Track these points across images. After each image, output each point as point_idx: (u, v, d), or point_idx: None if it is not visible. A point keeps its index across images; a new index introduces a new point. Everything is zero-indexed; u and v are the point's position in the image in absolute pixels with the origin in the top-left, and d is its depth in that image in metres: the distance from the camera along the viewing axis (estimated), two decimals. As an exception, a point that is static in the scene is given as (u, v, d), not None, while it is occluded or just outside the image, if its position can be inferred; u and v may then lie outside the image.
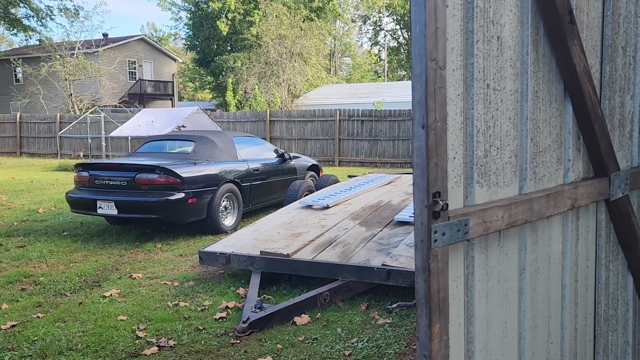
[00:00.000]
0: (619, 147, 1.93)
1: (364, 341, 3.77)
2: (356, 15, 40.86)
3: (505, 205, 1.41)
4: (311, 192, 8.22)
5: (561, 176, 1.68)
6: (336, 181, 8.89)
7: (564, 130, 1.67)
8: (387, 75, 39.11)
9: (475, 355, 1.42)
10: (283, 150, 9.30)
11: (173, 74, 31.95)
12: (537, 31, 1.52)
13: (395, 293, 4.58)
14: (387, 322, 4.06)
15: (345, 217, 6.30)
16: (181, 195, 6.49)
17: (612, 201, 1.86)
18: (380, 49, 44.37)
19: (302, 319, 4.22)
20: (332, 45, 34.45)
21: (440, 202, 1.20)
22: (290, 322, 4.19)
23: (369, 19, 42.47)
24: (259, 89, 23.64)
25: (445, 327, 1.27)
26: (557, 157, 1.66)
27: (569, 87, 1.63)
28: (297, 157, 9.93)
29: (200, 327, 3.92)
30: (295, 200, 7.43)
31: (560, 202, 1.59)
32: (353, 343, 3.79)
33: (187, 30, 30.94)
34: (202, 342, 3.68)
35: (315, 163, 10.19)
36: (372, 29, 44.12)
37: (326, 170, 13.10)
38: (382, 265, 4.49)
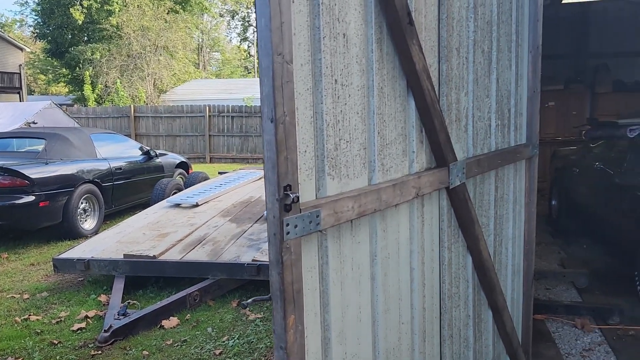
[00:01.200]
0: (457, 140, 2.12)
1: (235, 338, 3.74)
2: (224, 10, 40.18)
3: (356, 195, 1.47)
4: (180, 190, 7.95)
5: (407, 167, 1.80)
6: (206, 178, 8.68)
7: (408, 124, 1.80)
8: (257, 71, 39.03)
9: (331, 341, 1.47)
10: (149, 148, 8.85)
11: (20, 65, 28.70)
12: (381, 30, 1.61)
13: (266, 288, 4.58)
14: (258, 317, 4.06)
15: (216, 214, 6.18)
16: (31, 198, 5.89)
17: (452, 189, 2.04)
18: (250, 44, 44.16)
19: (171, 322, 4.07)
20: (200, 40, 33.50)
21: (292, 195, 1.21)
22: (158, 326, 4.01)
23: (237, 14, 42.03)
24: (121, 83, 22.18)
25: (300, 318, 1.30)
26: (403, 149, 1.77)
27: (411, 84, 1.75)
28: (165, 154, 9.52)
29: (55, 341, 3.60)
30: (162, 200, 7.13)
31: (406, 192, 1.70)
32: (224, 341, 3.73)
33: (36, 17, 27.98)
34: (58, 357, 3.38)
35: (184, 160, 9.85)
36: (241, 25, 43.73)
37: (197, 168, 12.72)
38: (253, 260, 4.48)
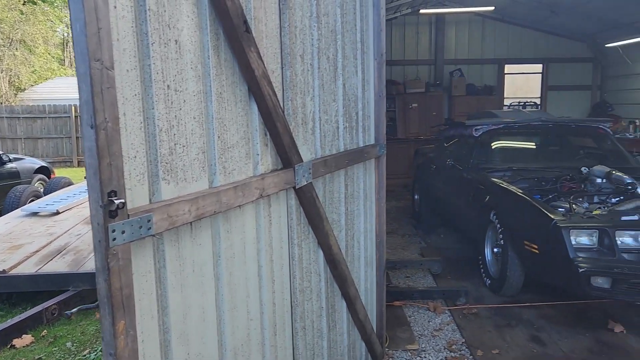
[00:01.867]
0: (304, 142, 2.24)
1: (97, 351, 3.57)
2: (92, 2, 37.44)
3: (192, 199, 1.50)
4: (38, 197, 7.33)
5: (251, 169, 1.87)
6: (70, 184, 8.10)
7: (251, 128, 1.86)
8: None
9: (172, 343, 1.49)
10: (1, 152, 8.05)
11: None
12: (218, 37, 1.66)
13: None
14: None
15: (79, 222, 5.81)
16: None
17: (299, 188, 2.15)
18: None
19: (24, 340, 3.78)
20: (65, 34, 30.95)
21: (116, 202, 1.22)
22: (9, 346, 3.70)
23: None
24: (-32, 79, 19.79)
25: (132, 323, 1.30)
26: (246, 152, 1.84)
27: (252, 89, 1.82)
28: (21, 158, 8.73)
29: None
30: (17, 208, 6.54)
31: (248, 193, 1.77)
32: (85, 355, 3.55)
33: None
34: None
35: (44, 165, 9.09)
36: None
37: (63, 173, 11.80)
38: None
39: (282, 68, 2.04)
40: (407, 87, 10.65)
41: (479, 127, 5.94)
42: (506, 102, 11.36)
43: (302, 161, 2.13)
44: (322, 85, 2.39)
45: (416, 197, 7.90)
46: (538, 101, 11.41)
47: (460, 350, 3.66)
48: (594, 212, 4.04)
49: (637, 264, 3.59)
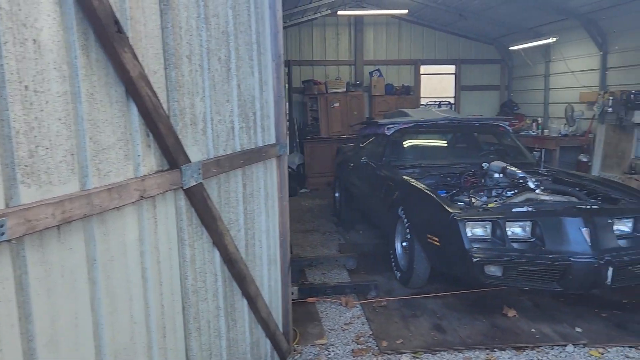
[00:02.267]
0: (194, 142, 2.24)
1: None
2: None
3: (57, 202, 1.47)
4: None
5: (132, 170, 1.85)
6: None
7: (131, 129, 1.84)
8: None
9: (37, 351, 1.45)
10: None
11: None
12: (87, 37, 1.63)
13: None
14: None
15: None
16: None
17: (188, 189, 2.15)
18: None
19: None
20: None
21: (-40, 207, 1.17)
22: None
23: None
24: None
25: (-16, 332, 1.26)
26: (125, 153, 1.81)
27: (129, 90, 1.80)
28: None
29: None
30: None
31: (126, 195, 1.75)
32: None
33: None
34: None
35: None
36: None
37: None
38: None
39: (165, 69, 2.02)
40: (329, 87, 10.82)
41: (390, 125, 6.16)
42: (423, 101, 11.83)
43: (189, 162, 2.13)
44: (214, 86, 2.40)
45: (337, 194, 8.06)
46: (452, 100, 11.97)
47: (367, 342, 3.79)
48: (489, 205, 4.32)
49: (525, 252, 3.87)
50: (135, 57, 1.78)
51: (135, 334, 1.88)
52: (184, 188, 2.13)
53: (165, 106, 2.01)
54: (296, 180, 10.20)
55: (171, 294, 2.11)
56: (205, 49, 2.32)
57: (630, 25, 8.04)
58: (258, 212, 2.92)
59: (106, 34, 1.65)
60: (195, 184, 2.18)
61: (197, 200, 2.23)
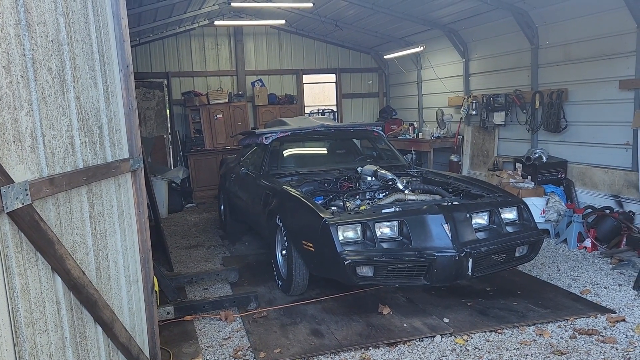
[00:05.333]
0: (19, 161, 2.04)
1: None
2: None
3: None
4: None
5: None
6: None
7: None
8: None
9: None
10: None
11: None
12: None
13: None
14: None
15: None
16: None
17: (13, 212, 1.95)
18: None
19: None
20: None
21: None
22: None
23: None
24: None
25: None
26: None
27: None
28: None
29: None
30: None
31: None
32: None
33: None
34: None
35: None
36: None
37: None
38: None
39: (-22, 81, 1.83)
40: (211, 98, 10.63)
41: (268, 135, 6.17)
42: (307, 110, 12.05)
43: (12, 182, 1.94)
44: (44, 99, 2.21)
45: (222, 207, 7.91)
46: (335, 108, 12.32)
47: (245, 356, 3.73)
48: (362, 208, 4.47)
49: (393, 251, 4.05)
50: None
51: (-54, 381, 1.66)
52: (7, 211, 1.93)
53: (-24, 122, 1.81)
54: (181, 195, 9.87)
55: (-4, 330, 1.89)
56: (29, 58, 2.13)
57: (486, 35, 8.82)
58: (111, 231, 2.75)
59: None
60: (21, 205, 1.99)
61: (27, 223, 2.03)
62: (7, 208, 1.92)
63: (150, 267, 3.16)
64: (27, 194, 2.02)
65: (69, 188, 2.34)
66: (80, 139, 2.48)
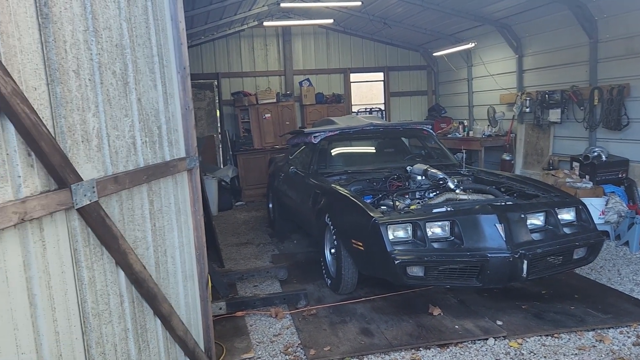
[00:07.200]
0: (87, 160, 2.15)
1: None
2: None
3: None
4: None
5: (10, 193, 1.75)
6: None
7: (7, 149, 1.74)
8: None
9: None
10: None
11: None
12: (-53, 53, 1.53)
13: None
14: None
15: None
16: None
17: (82, 208, 2.06)
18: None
19: None
20: None
21: None
22: None
23: None
24: None
25: None
26: (2, 175, 1.72)
27: (3, 108, 1.71)
28: None
29: None
30: None
31: (2, 218, 1.65)
32: None
33: None
34: None
35: None
36: None
37: None
38: None
39: (48, 84, 1.94)
40: (260, 98, 10.79)
41: (317, 134, 6.21)
42: (354, 108, 12.03)
43: (81, 180, 2.05)
44: (109, 101, 2.32)
45: (270, 205, 8.02)
46: (383, 107, 12.24)
47: (296, 352, 3.77)
48: (412, 207, 4.43)
49: (445, 252, 3.99)
50: (7, 73, 1.69)
51: (23, 365, 1.77)
52: (77, 208, 2.04)
53: (49, 123, 1.92)
54: (231, 193, 10.07)
55: (67, 319, 2.00)
56: (96, 62, 2.24)
57: (541, 29, 8.54)
58: (169, 228, 2.84)
59: (-31, 50, 1.56)
60: (89, 202, 2.09)
61: (94, 219, 2.14)
62: (76, 204, 2.02)
63: (205, 263, 3.25)
64: (94, 192, 2.12)
65: (131, 186, 2.44)
66: (141, 139, 2.58)
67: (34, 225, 1.85)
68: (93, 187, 2.12)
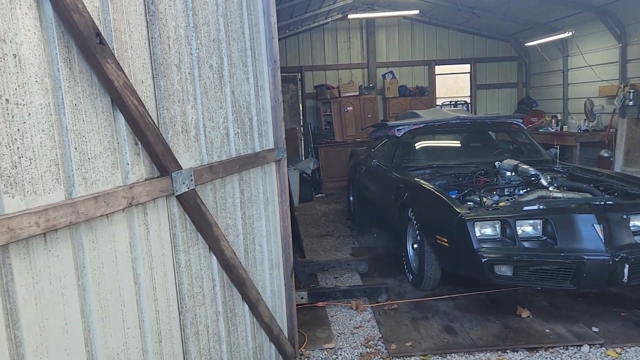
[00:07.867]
0: (186, 149, 2.27)
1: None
2: None
3: (41, 211, 1.51)
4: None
5: (120, 179, 1.88)
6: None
7: (118, 138, 1.88)
8: None
9: (26, 357, 1.49)
10: None
11: None
12: (69, 50, 1.67)
13: None
14: None
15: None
16: None
17: (180, 195, 2.18)
18: None
19: None
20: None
21: (-62, 217, 1.21)
22: None
23: None
24: None
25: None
26: (113, 162, 1.85)
27: (115, 100, 1.84)
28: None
29: None
30: None
31: (113, 202, 1.79)
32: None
33: None
34: None
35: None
36: None
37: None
38: None
39: (153, 78, 2.06)
40: (342, 90, 10.83)
41: (400, 127, 6.13)
42: (438, 101, 11.74)
43: (181, 168, 2.16)
44: (206, 93, 2.43)
45: (351, 198, 8.04)
46: (468, 100, 11.84)
47: (376, 346, 3.76)
48: (500, 204, 4.25)
49: (536, 251, 3.80)
50: (119, 67, 1.82)
51: (128, 339, 1.91)
52: (176, 194, 2.16)
53: (154, 114, 2.05)
54: (311, 185, 10.22)
55: (166, 299, 2.13)
56: (195, 57, 2.35)
57: (648, 16, 7.85)
58: (257, 217, 2.94)
59: (88, 47, 1.69)
60: (187, 190, 2.21)
61: (191, 206, 2.26)
62: (176, 191, 2.14)
63: (290, 252, 3.32)
64: (191, 180, 2.24)
65: (224, 175, 2.55)
66: (234, 130, 2.68)
67: (139, 210, 1.98)
68: (191, 176, 2.24)
